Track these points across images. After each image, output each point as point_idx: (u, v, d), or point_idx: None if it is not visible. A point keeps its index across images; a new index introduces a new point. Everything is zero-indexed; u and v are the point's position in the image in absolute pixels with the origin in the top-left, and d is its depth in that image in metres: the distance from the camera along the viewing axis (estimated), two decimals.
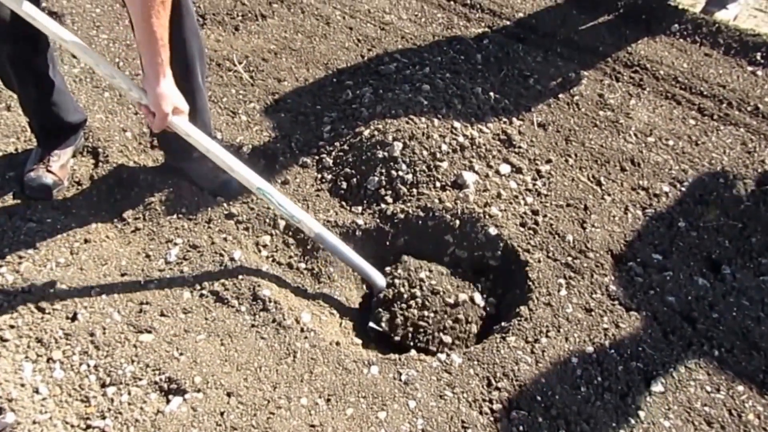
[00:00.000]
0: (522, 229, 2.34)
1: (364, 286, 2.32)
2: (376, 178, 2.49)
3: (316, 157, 2.63)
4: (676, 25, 3.30)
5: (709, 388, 1.91)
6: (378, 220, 2.38)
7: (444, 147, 2.52)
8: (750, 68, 3.09)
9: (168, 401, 1.82)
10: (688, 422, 1.83)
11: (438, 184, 2.45)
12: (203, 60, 2.24)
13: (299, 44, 3.22)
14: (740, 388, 1.92)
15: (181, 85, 2.03)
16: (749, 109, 2.87)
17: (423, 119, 2.58)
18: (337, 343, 1.99)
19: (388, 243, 2.37)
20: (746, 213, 2.42)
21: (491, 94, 2.84)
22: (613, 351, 1.98)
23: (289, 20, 3.36)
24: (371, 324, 2.13)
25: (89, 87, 2.85)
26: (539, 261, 2.23)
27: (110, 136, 2.62)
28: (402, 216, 2.36)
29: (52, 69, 2.29)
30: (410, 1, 3.53)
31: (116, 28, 3.19)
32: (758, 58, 3.13)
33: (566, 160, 2.63)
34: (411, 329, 2.09)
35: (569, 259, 2.25)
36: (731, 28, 3.25)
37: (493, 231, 2.30)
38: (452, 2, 3.53)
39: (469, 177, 2.47)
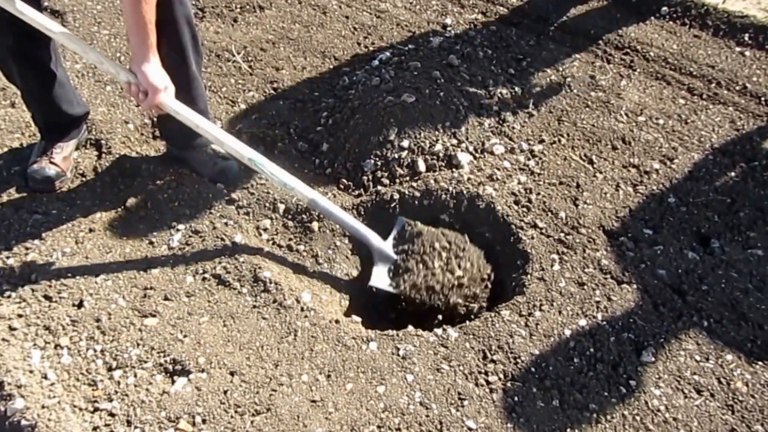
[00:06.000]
0: (516, 206, 2.38)
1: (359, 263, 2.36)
2: (372, 161, 2.53)
3: (314, 143, 2.68)
4: (666, 8, 3.32)
5: (698, 358, 1.95)
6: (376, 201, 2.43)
7: (439, 128, 2.57)
8: (738, 49, 3.11)
9: (173, 382, 1.87)
10: (678, 390, 1.88)
11: (433, 165, 2.50)
12: (198, 49, 2.26)
13: (297, 34, 3.26)
14: (729, 357, 1.96)
15: (176, 73, 2.07)
16: (738, 88, 2.90)
17: (417, 103, 2.62)
18: (337, 321, 2.04)
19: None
20: (735, 188, 2.46)
21: (485, 77, 2.87)
22: (605, 323, 2.03)
23: (286, 11, 3.41)
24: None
25: (91, 82, 2.90)
26: (532, 237, 2.28)
27: (113, 128, 2.66)
28: (398, 197, 2.41)
29: (54, 62, 2.32)
30: None
31: (117, 24, 3.23)
32: (746, 39, 3.15)
33: (558, 140, 2.68)
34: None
35: (562, 235, 2.29)
36: (719, 11, 3.27)
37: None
38: None
39: (464, 157, 2.51)
